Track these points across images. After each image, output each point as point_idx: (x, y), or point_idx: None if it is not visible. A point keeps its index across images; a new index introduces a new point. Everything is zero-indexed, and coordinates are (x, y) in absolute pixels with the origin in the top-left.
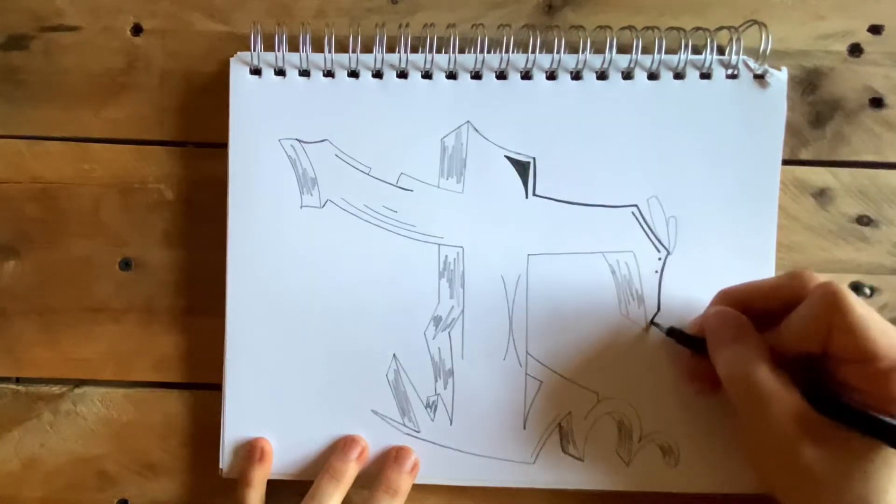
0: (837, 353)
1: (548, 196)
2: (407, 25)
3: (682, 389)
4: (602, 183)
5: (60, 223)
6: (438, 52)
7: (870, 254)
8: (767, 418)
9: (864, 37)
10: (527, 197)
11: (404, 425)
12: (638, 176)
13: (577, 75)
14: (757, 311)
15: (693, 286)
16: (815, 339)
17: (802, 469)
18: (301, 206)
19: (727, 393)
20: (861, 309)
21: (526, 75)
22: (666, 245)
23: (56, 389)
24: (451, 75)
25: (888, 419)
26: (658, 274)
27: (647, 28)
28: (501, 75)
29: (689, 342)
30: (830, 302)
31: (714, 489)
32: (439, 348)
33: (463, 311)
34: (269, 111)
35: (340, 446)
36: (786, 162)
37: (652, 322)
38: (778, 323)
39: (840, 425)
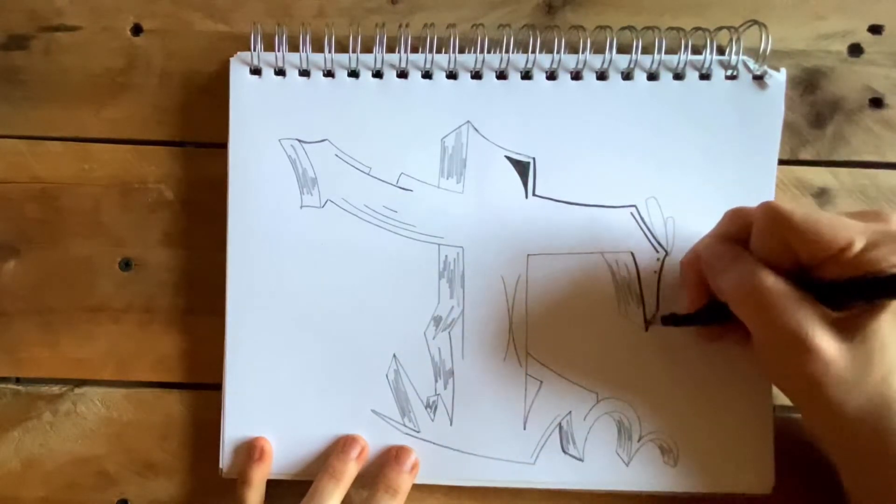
0: (808, 260)
1: (548, 196)
2: (407, 25)
3: (681, 389)
4: (601, 183)
5: (60, 223)
6: (438, 52)
7: None
8: (782, 320)
9: (864, 37)
10: (527, 197)
11: (404, 425)
12: (637, 176)
13: (577, 75)
14: None
15: None
16: (783, 257)
17: (822, 365)
18: (301, 206)
19: (737, 312)
20: (801, 212)
21: (526, 75)
22: (664, 245)
23: (56, 389)
24: (451, 75)
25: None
26: (657, 274)
27: (647, 28)
28: (501, 75)
29: (688, 319)
30: (772, 221)
31: (713, 489)
32: (439, 348)
33: (463, 311)
34: (269, 111)
35: (340, 446)
36: (786, 162)
37: (647, 322)
38: None
39: (851, 313)
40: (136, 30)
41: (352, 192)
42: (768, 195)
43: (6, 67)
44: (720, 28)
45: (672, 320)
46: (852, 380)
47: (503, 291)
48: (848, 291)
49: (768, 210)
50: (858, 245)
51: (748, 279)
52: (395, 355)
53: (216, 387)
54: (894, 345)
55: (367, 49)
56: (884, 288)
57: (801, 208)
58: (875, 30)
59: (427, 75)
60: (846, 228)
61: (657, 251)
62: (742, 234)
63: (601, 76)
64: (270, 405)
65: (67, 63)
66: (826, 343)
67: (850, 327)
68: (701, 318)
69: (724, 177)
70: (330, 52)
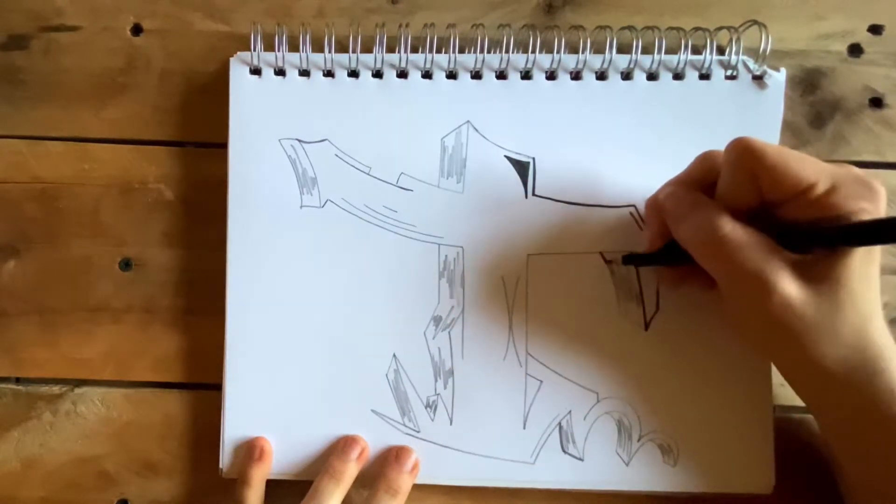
0: (774, 197)
1: (547, 196)
2: (407, 25)
3: (681, 389)
4: (601, 183)
5: (60, 223)
6: (438, 52)
7: None
8: (742, 264)
9: (864, 37)
10: (526, 197)
11: (404, 425)
12: (636, 176)
13: (576, 75)
14: None
15: None
16: (748, 194)
17: (786, 307)
18: (301, 206)
19: (698, 259)
20: (773, 148)
21: (526, 75)
22: None
23: (56, 389)
24: (451, 75)
25: (857, 220)
26: (657, 273)
27: (647, 28)
28: (501, 75)
29: (649, 259)
30: (744, 154)
31: (713, 489)
32: (439, 348)
33: (463, 310)
34: (269, 111)
35: (340, 446)
36: None
37: (647, 322)
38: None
39: (814, 258)
40: (136, 30)
41: (352, 192)
42: None
43: (6, 67)
44: (720, 28)
45: (633, 260)
46: (823, 328)
47: (503, 291)
48: (807, 235)
49: (741, 142)
50: (821, 186)
51: (707, 226)
52: (395, 355)
53: (216, 387)
54: (865, 295)
55: (367, 49)
56: (840, 235)
57: (772, 144)
58: (875, 30)
59: (427, 75)
60: (812, 168)
61: None
62: (708, 177)
63: (601, 76)
64: (270, 405)
65: (67, 63)
66: (787, 283)
67: (815, 272)
68: (661, 258)
69: None
70: (330, 52)
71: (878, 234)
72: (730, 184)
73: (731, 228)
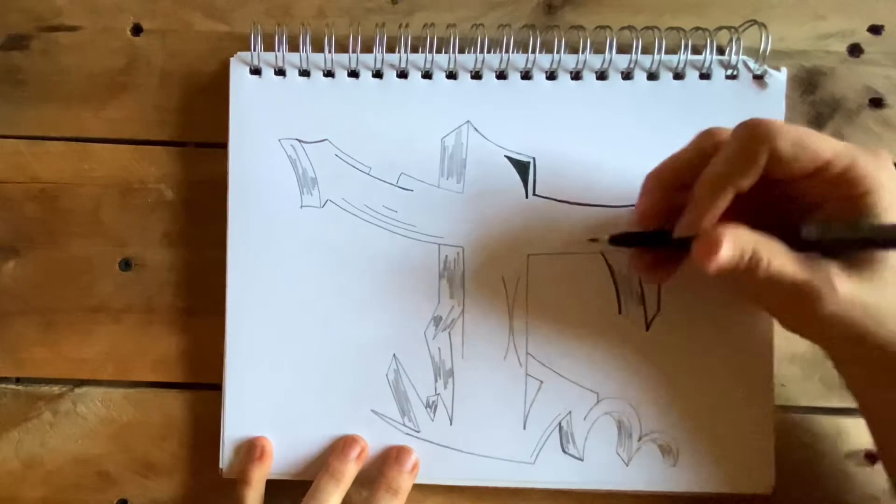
0: (784, 173)
1: (548, 196)
2: (407, 25)
3: (681, 389)
4: (601, 183)
5: (60, 223)
6: (438, 52)
7: None
8: (797, 285)
9: (864, 37)
10: (527, 197)
11: (404, 425)
12: (636, 176)
13: (576, 75)
14: (688, 178)
15: (692, 285)
16: (749, 171)
17: (852, 308)
18: (301, 206)
19: (748, 296)
20: (790, 125)
21: (526, 75)
22: None
23: (56, 389)
24: (451, 75)
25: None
26: None
27: (647, 28)
28: (501, 75)
29: (636, 240)
30: (764, 130)
31: (713, 489)
32: (439, 348)
33: (463, 311)
34: (269, 111)
35: (340, 446)
36: None
37: (648, 322)
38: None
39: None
40: (136, 30)
41: (352, 192)
42: None
43: (6, 67)
44: (720, 28)
45: (621, 240)
46: (881, 309)
47: (503, 291)
48: (845, 243)
49: (752, 122)
50: (837, 166)
51: (753, 266)
52: (395, 355)
53: (216, 387)
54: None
55: (367, 49)
56: (880, 237)
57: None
58: (875, 30)
59: (427, 75)
60: (831, 143)
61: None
62: (706, 156)
63: (601, 76)
64: (270, 405)
65: (67, 63)
66: (842, 283)
67: (856, 261)
68: (650, 238)
69: None
70: (330, 52)
71: None
72: (733, 160)
73: (779, 263)
